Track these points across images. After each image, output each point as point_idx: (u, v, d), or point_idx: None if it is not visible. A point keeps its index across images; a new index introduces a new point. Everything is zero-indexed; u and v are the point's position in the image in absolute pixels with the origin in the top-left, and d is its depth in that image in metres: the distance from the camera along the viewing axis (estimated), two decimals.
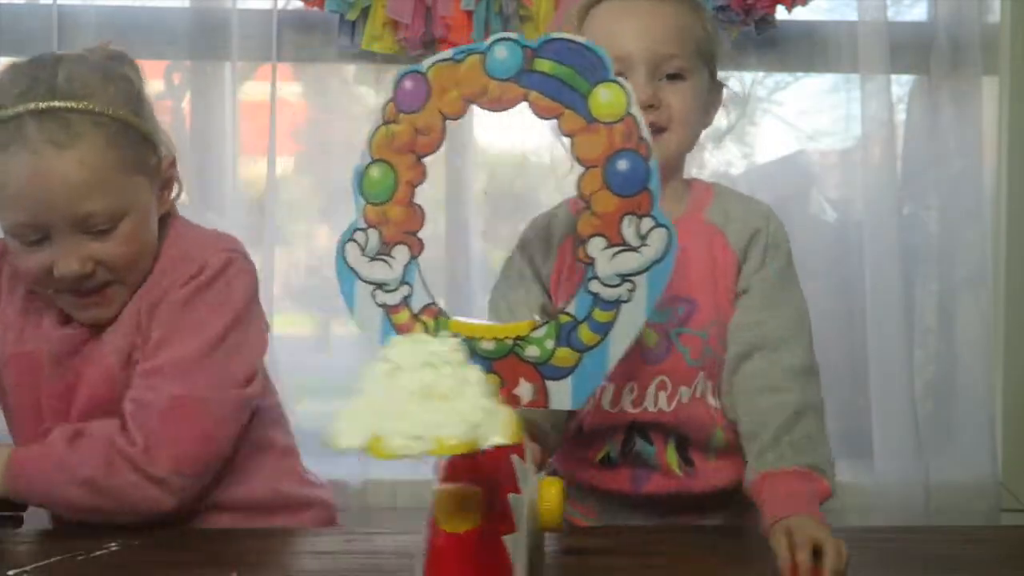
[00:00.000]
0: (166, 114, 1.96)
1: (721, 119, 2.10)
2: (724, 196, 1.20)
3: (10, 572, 1.01)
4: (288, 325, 1.98)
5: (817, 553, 0.92)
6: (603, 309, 0.94)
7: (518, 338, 0.94)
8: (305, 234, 2.04)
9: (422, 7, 1.78)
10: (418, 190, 0.96)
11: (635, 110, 0.92)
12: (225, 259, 1.17)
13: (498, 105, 0.94)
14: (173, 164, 1.21)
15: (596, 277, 0.94)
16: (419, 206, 0.97)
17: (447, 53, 0.95)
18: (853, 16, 1.89)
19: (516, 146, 2.02)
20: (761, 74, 2.02)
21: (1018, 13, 1.92)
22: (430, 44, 1.82)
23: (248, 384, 1.18)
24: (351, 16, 1.80)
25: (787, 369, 1.09)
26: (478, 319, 1.00)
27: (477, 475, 0.80)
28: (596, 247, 0.93)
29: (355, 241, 0.97)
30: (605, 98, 0.92)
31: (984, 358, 1.90)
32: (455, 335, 0.93)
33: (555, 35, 0.93)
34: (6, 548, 1.09)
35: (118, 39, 1.85)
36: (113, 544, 1.11)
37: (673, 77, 1.14)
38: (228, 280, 1.17)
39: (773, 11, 1.83)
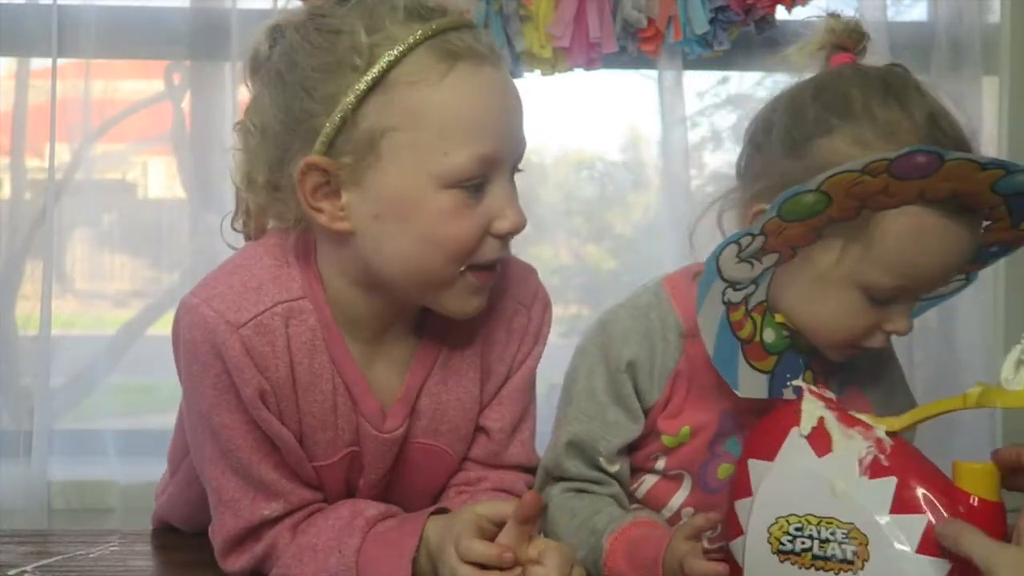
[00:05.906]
0: (166, 114, 1.96)
1: (721, 119, 2.12)
2: None
3: (10, 572, 1.01)
4: None
5: None
6: None
7: None
8: None
9: None
10: None
11: None
12: None
13: (972, 201, 0.91)
14: None
15: None
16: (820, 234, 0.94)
17: (976, 157, 0.89)
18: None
19: None
20: (761, 74, 2.02)
21: (1018, 13, 1.92)
22: None
23: None
24: None
25: None
26: None
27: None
28: None
29: (738, 244, 0.92)
30: None
31: (984, 358, 1.90)
32: (782, 326, 0.99)
33: None
34: (6, 548, 1.09)
35: (118, 39, 1.87)
36: (113, 544, 1.11)
37: None
38: None
39: (773, 11, 1.83)
